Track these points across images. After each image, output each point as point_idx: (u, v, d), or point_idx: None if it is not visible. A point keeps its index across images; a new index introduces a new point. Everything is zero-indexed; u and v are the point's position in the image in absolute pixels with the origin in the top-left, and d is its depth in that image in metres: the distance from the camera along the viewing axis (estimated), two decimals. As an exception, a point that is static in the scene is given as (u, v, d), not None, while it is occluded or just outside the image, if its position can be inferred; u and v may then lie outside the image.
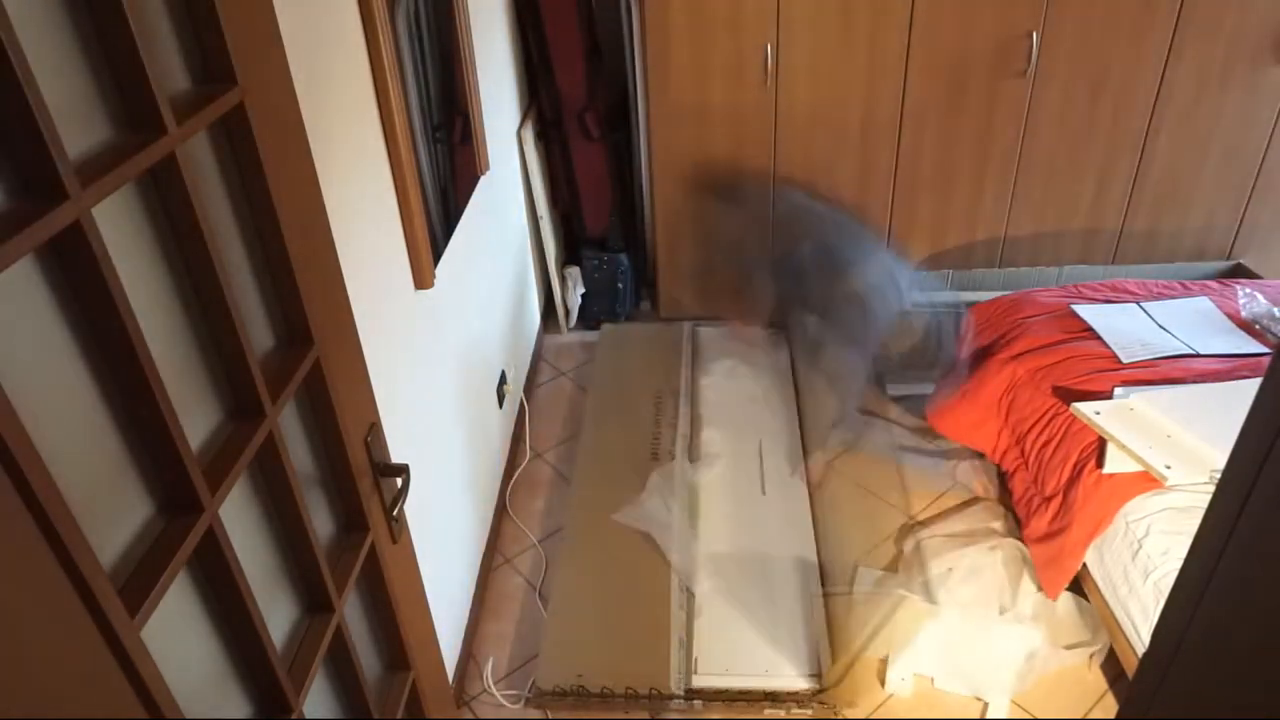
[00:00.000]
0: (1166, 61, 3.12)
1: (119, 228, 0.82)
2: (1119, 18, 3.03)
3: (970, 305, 3.02)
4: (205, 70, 0.94)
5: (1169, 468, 2.09)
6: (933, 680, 2.22)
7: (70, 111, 0.75)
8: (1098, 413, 2.28)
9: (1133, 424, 2.22)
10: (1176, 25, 3.05)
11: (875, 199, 3.39)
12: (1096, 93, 3.18)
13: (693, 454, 2.91)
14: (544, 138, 3.44)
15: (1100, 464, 2.20)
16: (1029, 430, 2.47)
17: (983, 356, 2.72)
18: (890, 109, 3.20)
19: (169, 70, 0.90)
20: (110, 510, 0.81)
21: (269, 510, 1.11)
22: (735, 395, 3.18)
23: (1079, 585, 2.33)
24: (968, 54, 3.09)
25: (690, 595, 2.40)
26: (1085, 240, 3.50)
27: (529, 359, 3.40)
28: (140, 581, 0.80)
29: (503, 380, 2.84)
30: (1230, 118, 3.23)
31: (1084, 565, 2.25)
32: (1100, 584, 2.19)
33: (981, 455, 2.78)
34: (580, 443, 3.00)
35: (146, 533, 0.85)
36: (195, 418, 0.95)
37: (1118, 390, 2.35)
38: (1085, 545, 2.21)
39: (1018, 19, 3.03)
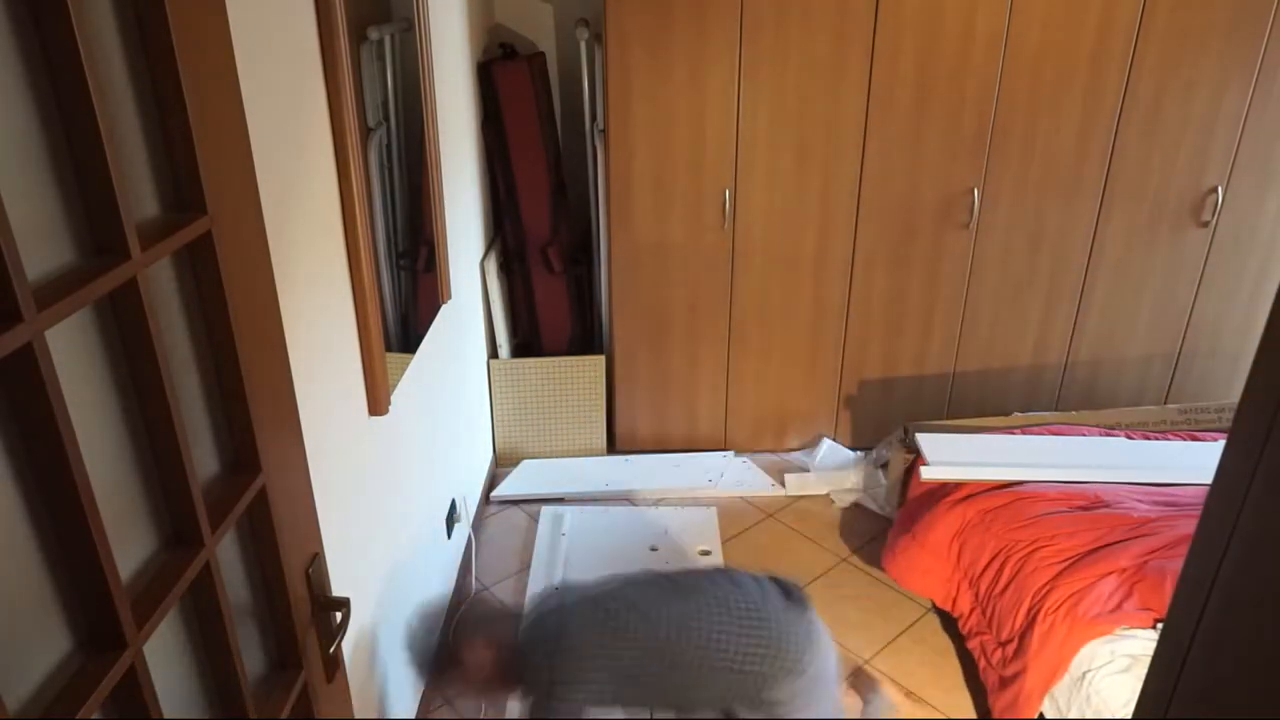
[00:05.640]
0: (1097, 220, 3.33)
1: (72, 348, 0.81)
2: (1051, 180, 3.25)
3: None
4: (176, 198, 0.95)
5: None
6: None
7: (35, 232, 0.75)
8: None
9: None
10: (1104, 189, 3.28)
11: (827, 337, 3.49)
12: (1035, 245, 3.36)
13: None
14: (507, 269, 3.51)
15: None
16: (981, 573, 2.47)
17: (933, 499, 2.75)
18: (842, 254, 3.34)
19: (139, 196, 0.91)
20: (25, 644, 0.76)
21: (197, 646, 1.05)
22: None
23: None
24: (914, 206, 3.27)
25: None
26: (1030, 384, 3.62)
27: (480, 488, 3.34)
28: (49, 726, 0.74)
29: (452, 509, 2.78)
30: (1159, 273, 3.43)
31: (1042, 715, 2.21)
32: (1058, 736, 2.14)
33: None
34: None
35: (62, 671, 0.79)
36: (128, 546, 0.91)
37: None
38: (1042, 693, 2.17)
39: (960, 176, 3.23)
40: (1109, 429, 3.04)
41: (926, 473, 2.71)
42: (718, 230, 3.28)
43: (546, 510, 3.29)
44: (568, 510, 3.29)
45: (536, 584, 2.90)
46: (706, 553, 3.05)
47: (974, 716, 2.45)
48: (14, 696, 0.74)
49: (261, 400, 1.09)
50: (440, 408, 2.64)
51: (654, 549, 3.06)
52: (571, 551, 3.05)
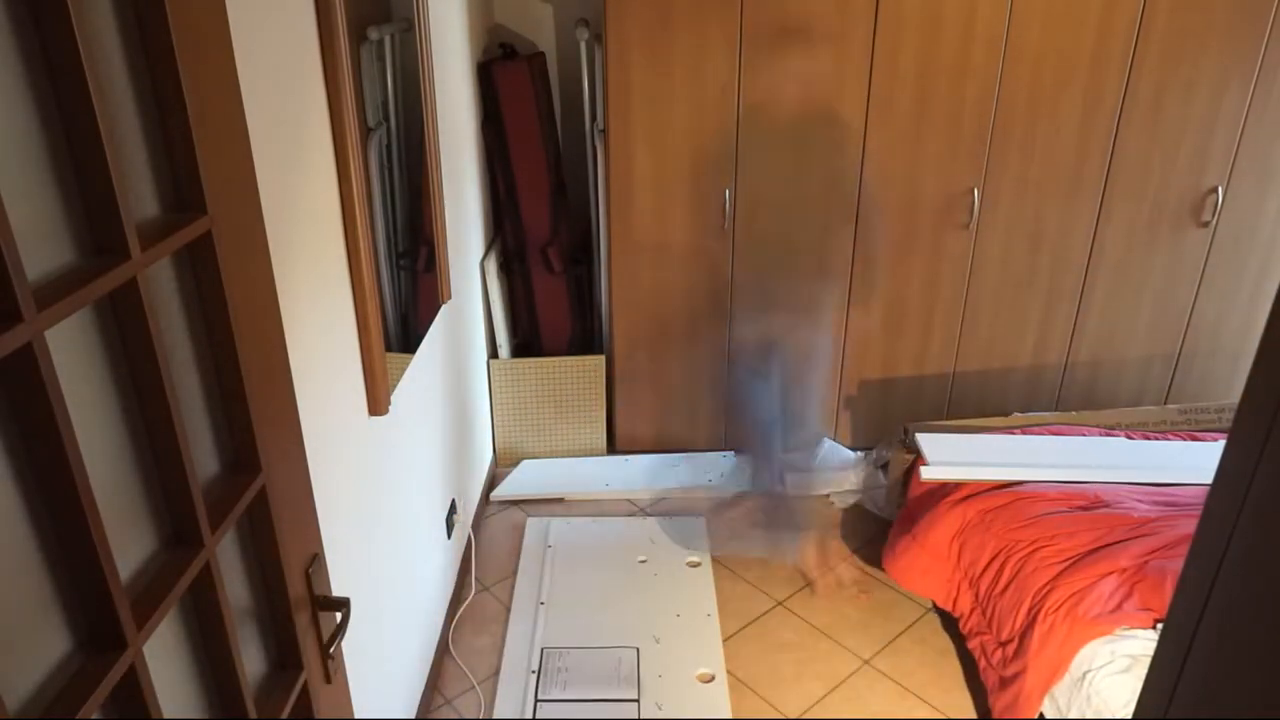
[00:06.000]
0: (1098, 220, 3.33)
1: (72, 348, 0.81)
2: (1051, 180, 3.25)
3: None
4: (176, 198, 0.95)
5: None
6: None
7: (35, 232, 0.75)
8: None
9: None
10: (1104, 189, 3.28)
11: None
12: (1035, 245, 3.36)
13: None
14: (507, 269, 3.51)
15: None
16: (981, 573, 2.47)
17: (933, 499, 2.75)
18: (843, 254, 3.34)
19: (139, 196, 0.91)
20: (25, 644, 0.76)
21: (197, 646, 1.05)
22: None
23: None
24: (914, 205, 3.27)
25: None
26: (1030, 384, 3.62)
27: (480, 489, 3.34)
28: (49, 726, 0.74)
29: (452, 510, 2.78)
30: (1159, 273, 3.43)
31: (1042, 715, 2.21)
32: (1058, 736, 2.14)
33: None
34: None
35: (62, 671, 0.79)
36: (128, 546, 0.91)
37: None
38: (1042, 693, 2.17)
39: (960, 176, 3.23)
40: (1109, 429, 3.04)
41: (926, 473, 2.71)
42: (718, 230, 3.28)
43: (533, 521, 3.29)
44: (555, 521, 3.28)
45: (524, 596, 2.90)
46: (696, 564, 3.05)
47: (974, 716, 2.45)
48: (14, 696, 0.74)
49: (261, 400, 1.09)
50: (440, 408, 2.64)
51: (642, 561, 3.07)
52: (558, 563, 3.05)
